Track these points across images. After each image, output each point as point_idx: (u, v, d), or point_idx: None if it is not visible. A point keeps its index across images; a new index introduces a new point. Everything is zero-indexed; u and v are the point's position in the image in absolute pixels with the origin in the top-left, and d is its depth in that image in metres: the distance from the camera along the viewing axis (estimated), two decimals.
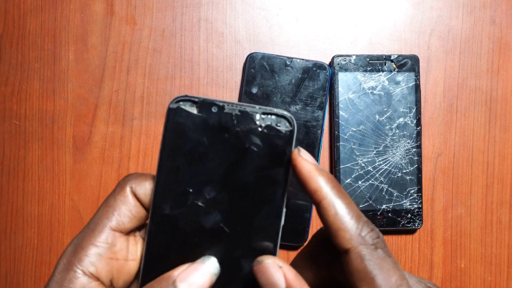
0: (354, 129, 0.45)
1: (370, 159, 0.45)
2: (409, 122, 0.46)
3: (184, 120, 0.24)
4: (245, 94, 0.44)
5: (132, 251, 0.25)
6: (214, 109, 0.24)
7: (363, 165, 0.45)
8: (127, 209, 0.24)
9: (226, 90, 0.47)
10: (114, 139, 0.46)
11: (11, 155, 0.46)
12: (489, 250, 0.48)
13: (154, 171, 0.46)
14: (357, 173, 0.45)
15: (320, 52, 0.47)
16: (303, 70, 0.45)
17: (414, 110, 0.46)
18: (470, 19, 0.48)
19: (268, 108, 0.24)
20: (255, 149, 0.24)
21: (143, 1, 0.47)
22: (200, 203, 0.24)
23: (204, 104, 0.24)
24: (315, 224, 0.47)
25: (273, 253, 0.24)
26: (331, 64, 0.46)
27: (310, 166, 0.23)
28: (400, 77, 0.46)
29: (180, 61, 0.47)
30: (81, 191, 0.46)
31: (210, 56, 0.47)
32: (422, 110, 0.47)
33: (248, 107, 0.24)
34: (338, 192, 0.22)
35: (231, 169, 0.24)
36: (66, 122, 0.46)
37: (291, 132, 0.24)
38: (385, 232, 0.47)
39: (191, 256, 0.24)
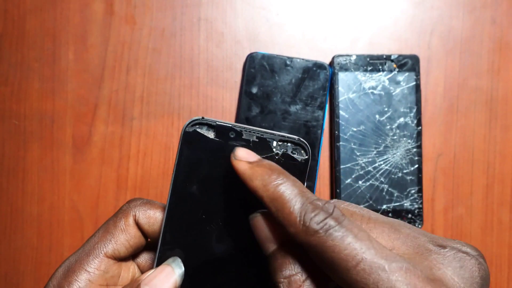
0: (354, 129, 0.45)
1: (370, 159, 0.45)
2: (410, 122, 0.46)
3: (200, 145, 0.23)
4: (245, 94, 0.44)
5: (124, 277, 0.25)
6: (231, 135, 0.23)
7: (363, 165, 0.45)
8: (126, 239, 0.24)
9: (226, 90, 0.47)
10: (113, 139, 0.46)
11: (11, 155, 0.46)
12: (490, 250, 0.48)
13: (154, 171, 0.46)
14: (357, 173, 0.45)
15: (320, 52, 0.47)
16: (303, 70, 0.45)
17: (414, 110, 0.46)
18: (471, 19, 0.48)
19: (286, 135, 0.23)
20: None
21: (142, 0, 0.47)
22: (212, 229, 0.24)
23: (221, 129, 0.23)
24: None
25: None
26: (331, 64, 0.46)
27: (243, 166, 0.22)
28: (400, 77, 0.46)
29: (180, 61, 0.47)
30: (80, 191, 0.46)
31: (210, 56, 0.47)
32: (422, 110, 0.47)
33: (266, 134, 0.23)
34: (274, 186, 0.20)
35: (246, 196, 0.23)
36: (65, 122, 0.46)
37: (306, 161, 0.23)
38: None
39: (202, 281, 0.24)
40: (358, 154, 0.45)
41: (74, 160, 0.46)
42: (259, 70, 0.44)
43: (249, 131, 0.23)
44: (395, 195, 0.45)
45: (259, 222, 0.22)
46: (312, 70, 0.45)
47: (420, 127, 0.46)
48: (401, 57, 0.46)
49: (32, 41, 0.46)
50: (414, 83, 0.46)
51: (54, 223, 0.46)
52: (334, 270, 0.19)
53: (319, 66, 0.45)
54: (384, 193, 0.45)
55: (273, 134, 0.23)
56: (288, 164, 0.23)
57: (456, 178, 0.48)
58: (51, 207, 0.46)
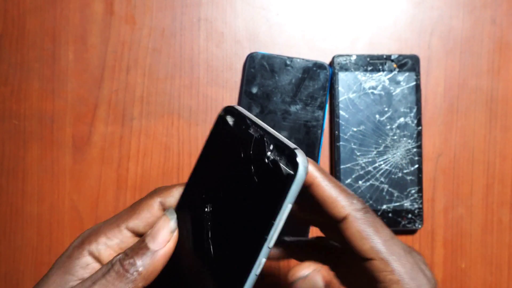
0: (354, 129, 0.45)
1: (370, 159, 0.45)
2: (410, 122, 0.46)
3: (221, 130, 0.25)
4: (245, 94, 0.44)
5: None
6: (243, 126, 0.24)
7: (363, 165, 0.45)
8: (148, 217, 0.26)
9: (226, 90, 0.47)
10: (113, 139, 0.46)
11: (11, 155, 0.46)
12: (490, 250, 0.48)
13: (154, 171, 0.46)
14: (357, 173, 0.45)
15: (320, 52, 0.47)
16: (303, 70, 0.45)
17: (414, 110, 0.46)
18: (471, 19, 0.48)
19: (285, 141, 0.22)
20: (255, 178, 0.22)
21: (142, 0, 0.47)
22: (204, 210, 0.24)
23: (238, 118, 0.24)
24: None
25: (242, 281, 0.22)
26: (331, 64, 0.46)
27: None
28: (400, 77, 0.46)
29: (180, 61, 0.47)
30: (80, 191, 0.46)
31: (210, 56, 0.47)
32: (422, 110, 0.47)
33: (267, 135, 0.22)
34: (323, 172, 0.25)
35: (233, 188, 0.23)
36: (65, 122, 0.46)
37: (291, 176, 0.21)
38: None
39: (181, 260, 0.25)
40: (358, 154, 0.45)
41: (74, 160, 0.46)
42: (259, 70, 0.44)
43: (256, 127, 0.23)
44: (395, 195, 0.45)
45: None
46: (312, 70, 0.45)
47: (420, 127, 0.46)
48: (401, 57, 0.46)
49: (32, 41, 0.46)
50: (414, 83, 0.46)
51: (54, 223, 0.46)
52: (365, 240, 0.24)
53: (319, 66, 0.45)
54: (384, 193, 0.45)
55: (274, 137, 0.22)
56: (274, 174, 0.22)
57: (456, 178, 0.48)
58: (51, 207, 0.46)
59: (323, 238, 0.29)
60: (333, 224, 0.25)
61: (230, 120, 0.24)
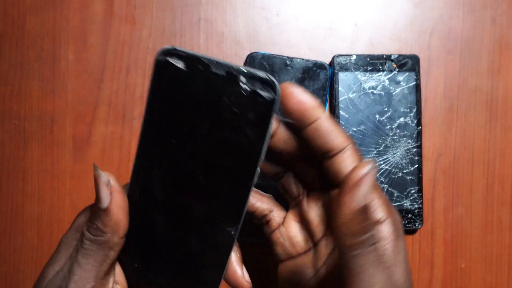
0: (354, 129, 0.45)
1: (370, 159, 0.45)
2: (410, 122, 0.46)
3: (169, 74, 0.24)
4: None
5: None
6: (200, 67, 0.24)
7: None
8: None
9: None
10: (113, 139, 0.46)
11: (11, 155, 0.46)
12: (490, 250, 0.48)
13: None
14: None
15: (320, 52, 0.47)
16: (303, 70, 0.45)
17: (414, 110, 0.46)
18: (471, 19, 0.48)
19: (255, 71, 0.24)
20: (236, 110, 0.24)
21: (142, 1, 0.47)
22: (180, 155, 0.25)
23: (190, 60, 0.24)
24: None
25: (241, 208, 0.26)
26: (331, 64, 0.46)
27: (303, 90, 0.25)
28: (400, 77, 0.46)
29: None
30: (81, 191, 0.46)
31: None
32: (422, 110, 0.47)
33: (234, 69, 0.24)
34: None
35: (211, 126, 0.24)
36: (65, 122, 0.46)
37: (273, 101, 0.24)
38: None
39: (169, 198, 0.26)
40: None
41: (74, 160, 0.46)
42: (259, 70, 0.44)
43: (218, 64, 0.24)
44: (395, 195, 0.45)
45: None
46: (312, 70, 0.45)
47: (420, 127, 0.46)
48: (401, 57, 0.46)
49: (32, 41, 0.46)
50: (414, 83, 0.46)
51: (54, 223, 0.46)
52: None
53: (319, 66, 0.45)
54: (384, 193, 0.45)
55: (241, 69, 0.24)
56: (255, 102, 0.24)
57: (456, 178, 0.48)
58: (51, 207, 0.46)
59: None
60: (319, 158, 0.26)
61: (177, 62, 0.24)
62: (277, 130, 0.27)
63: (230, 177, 0.25)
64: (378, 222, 0.24)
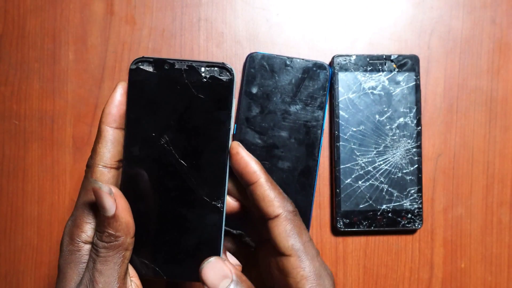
0: (354, 129, 0.45)
1: (370, 159, 0.45)
2: (409, 122, 0.46)
3: (142, 78, 0.29)
4: (245, 94, 0.44)
5: None
6: (166, 66, 0.28)
7: (363, 165, 0.45)
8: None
9: None
10: None
11: (11, 155, 0.46)
12: (490, 250, 0.48)
13: None
14: (357, 173, 0.45)
15: (320, 52, 0.47)
16: (303, 70, 0.45)
17: (414, 110, 0.46)
18: (470, 19, 0.48)
19: (212, 61, 0.29)
20: (201, 96, 0.29)
21: (143, 1, 0.47)
22: (162, 144, 0.29)
23: (158, 63, 0.29)
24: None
25: (223, 181, 0.29)
26: (331, 64, 0.46)
27: (247, 154, 0.29)
28: (400, 77, 0.46)
29: None
30: None
31: (210, 56, 0.47)
32: (422, 110, 0.47)
33: (194, 62, 0.29)
34: (266, 174, 0.29)
35: (184, 114, 0.29)
36: (66, 122, 0.46)
37: (231, 80, 0.29)
38: (385, 232, 0.47)
39: (157, 187, 0.29)
40: (358, 154, 0.45)
41: (74, 160, 0.46)
42: (259, 70, 0.44)
43: (180, 62, 0.28)
44: (395, 195, 0.45)
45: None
46: (312, 70, 0.45)
47: (420, 127, 0.46)
48: (401, 57, 0.46)
49: (32, 41, 0.46)
50: (414, 83, 0.46)
51: (54, 223, 0.46)
52: (291, 238, 0.29)
53: (319, 66, 0.45)
54: (384, 193, 0.45)
55: (200, 61, 0.29)
56: (216, 85, 0.29)
57: (456, 178, 0.48)
58: (51, 207, 0.46)
59: (242, 234, 0.34)
60: (263, 221, 0.29)
61: (147, 67, 0.29)
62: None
63: (208, 155, 0.29)
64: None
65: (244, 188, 0.30)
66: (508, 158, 0.48)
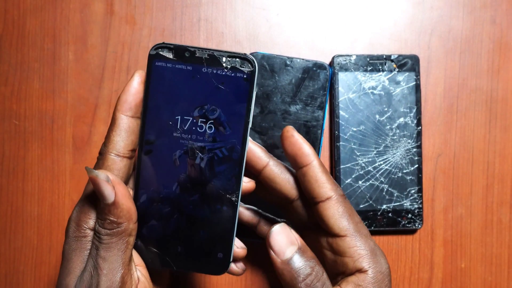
0: (354, 129, 0.45)
1: (370, 159, 0.45)
2: (410, 122, 0.46)
3: (161, 65, 0.28)
4: None
5: None
6: (187, 54, 0.28)
7: (363, 165, 0.45)
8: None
9: None
10: None
11: (11, 155, 0.46)
12: (490, 250, 0.48)
13: None
14: (357, 173, 0.45)
15: (320, 52, 0.47)
16: (303, 70, 0.45)
17: (414, 110, 0.46)
18: (471, 19, 0.48)
19: (233, 52, 0.28)
20: (221, 87, 0.28)
21: (143, 1, 0.47)
22: (179, 133, 0.28)
23: (178, 50, 0.28)
24: None
25: (239, 175, 0.29)
26: (331, 64, 0.46)
27: (300, 137, 0.29)
28: (400, 77, 0.46)
29: None
30: (81, 191, 0.46)
31: None
32: (422, 110, 0.47)
33: (216, 52, 0.28)
34: (318, 158, 0.30)
35: (203, 104, 0.28)
36: (65, 122, 0.46)
37: (252, 72, 0.28)
38: (385, 232, 0.47)
39: (173, 177, 0.29)
40: (358, 154, 0.45)
41: (74, 160, 0.46)
42: (259, 70, 0.44)
43: (202, 50, 0.28)
44: (395, 195, 0.45)
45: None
46: (312, 70, 0.45)
47: (420, 127, 0.46)
48: (401, 57, 0.46)
49: (32, 41, 0.46)
50: (414, 83, 0.46)
51: (54, 223, 0.46)
52: (344, 219, 0.30)
53: (319, 66, 0.45)
54: (384, 193, 0.45)
55: (222, 51, 0.28)
56: (237, 76, 0.28)
57: (456, 178, 0.48)
58: (51, 207, 0.46)
59: (286, 222, 0.34)
60: (311, 204, 0.30)
61: (167, 54, 0.28)
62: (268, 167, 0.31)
63: (225, 147, 0.28)
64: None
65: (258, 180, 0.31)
66: (508, 158, 0.48)
